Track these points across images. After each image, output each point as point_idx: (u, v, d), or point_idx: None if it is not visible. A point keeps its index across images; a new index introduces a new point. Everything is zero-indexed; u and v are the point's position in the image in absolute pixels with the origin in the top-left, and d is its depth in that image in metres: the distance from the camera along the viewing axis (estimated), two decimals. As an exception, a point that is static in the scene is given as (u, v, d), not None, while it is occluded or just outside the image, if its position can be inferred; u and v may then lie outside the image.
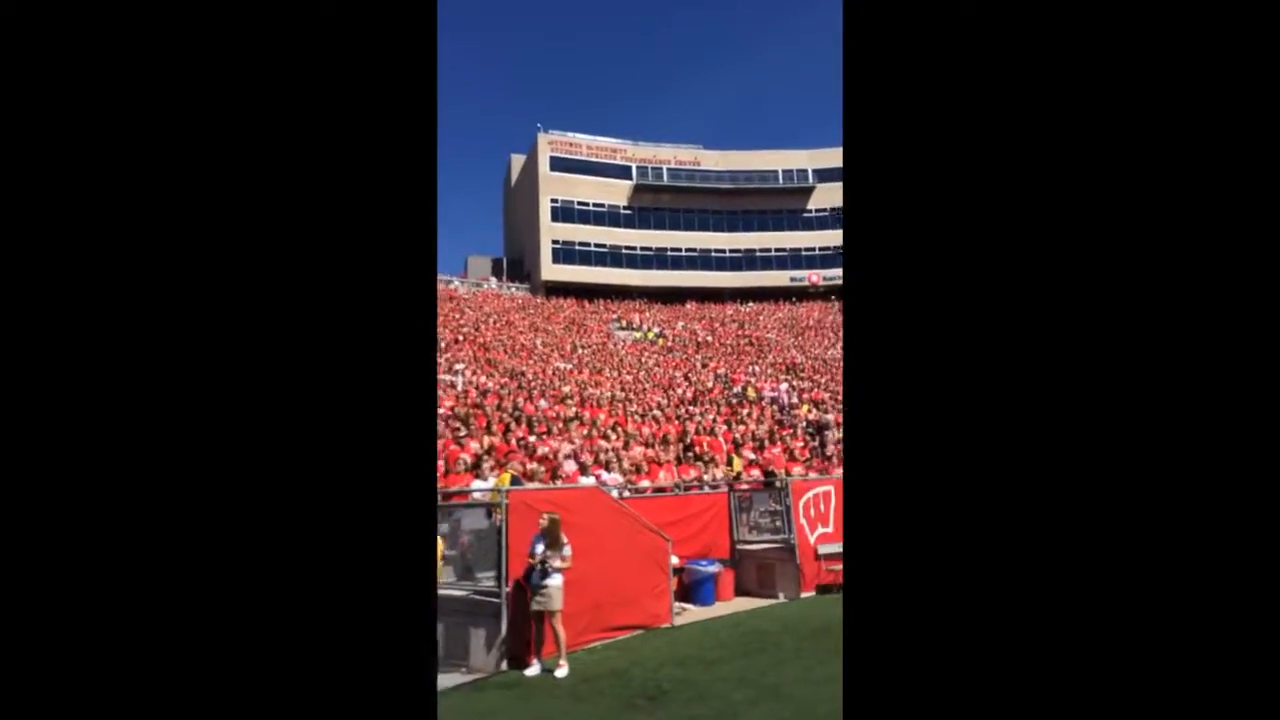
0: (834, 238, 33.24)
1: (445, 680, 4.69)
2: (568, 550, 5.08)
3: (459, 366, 15.80)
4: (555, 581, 5.02)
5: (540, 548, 5.09)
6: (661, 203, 33.45)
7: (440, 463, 7.43)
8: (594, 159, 33.39)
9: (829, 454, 11.49)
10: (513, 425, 10.14)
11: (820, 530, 7.97)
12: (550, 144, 33.07)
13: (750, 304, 30.98)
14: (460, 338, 19.94)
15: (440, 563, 4.94)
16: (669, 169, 33.89)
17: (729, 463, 9.59)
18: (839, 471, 10.18)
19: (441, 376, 14.56)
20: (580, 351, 20.55)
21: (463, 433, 9.04)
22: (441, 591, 5.00)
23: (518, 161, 36.88)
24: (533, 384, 14.58)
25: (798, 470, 10.05)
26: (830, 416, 13.79)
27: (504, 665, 5.15)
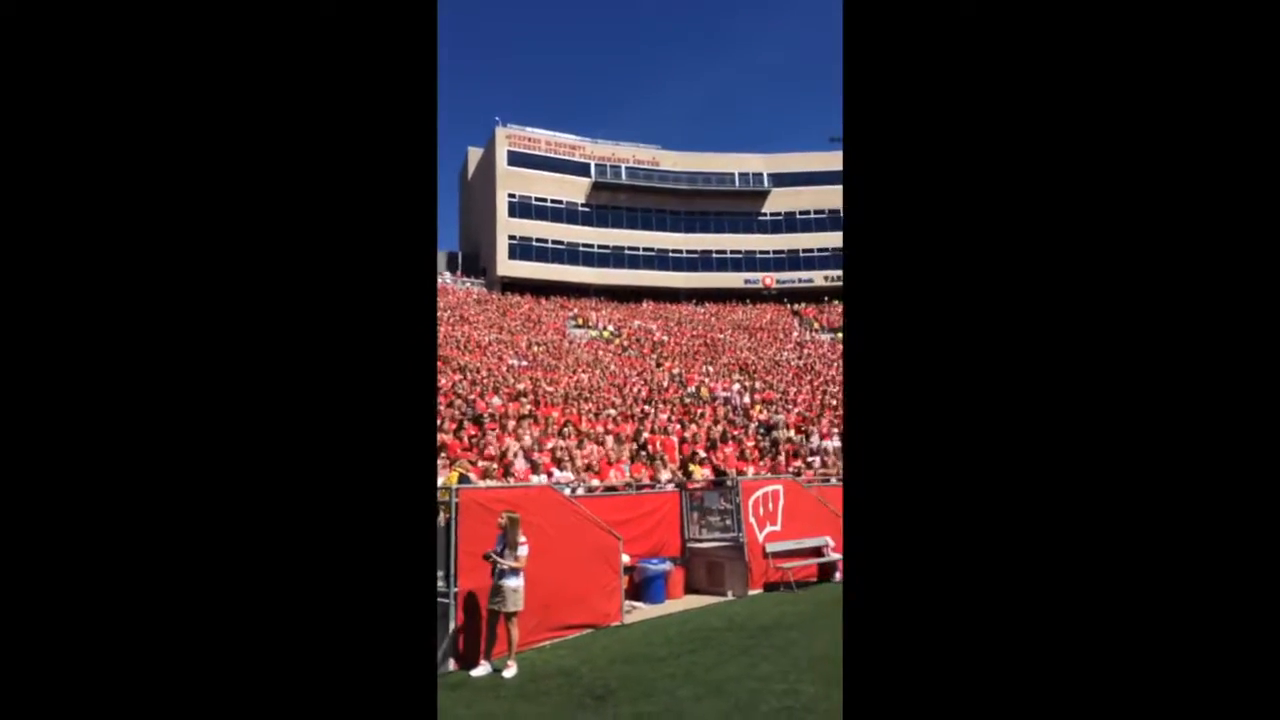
0: (787, 241, 33.88)
1: (390, 682, 4.62)
2: (522, 550, 5.06)
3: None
4: (514, 583, 4.99)
5: (500, 546, 5.06)
6: (619, 201, 33.46)
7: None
8: (552, 155, 33.17)
9: (779, 454, 11.73)
10: (465, 423, 10.02)
11: (769, 529, 8.15)
12: (508, 138, 32.67)
13: (705, 304, 31.29)
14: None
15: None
16: (627, 168, 33.91)
17: (685, 469, 9.66)
18: (788, 471, 10.41)
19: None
20: (535, 349, 20.41)
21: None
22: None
23: (475, 154, 36.32)
24: (486, 380, 14.41)
25: (748, 470, 10.23)
26: (781, 417, 14.07)
27: (451, 666, 5.11)
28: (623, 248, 33.16)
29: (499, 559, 5.01)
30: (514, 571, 5.00)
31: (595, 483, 8.52)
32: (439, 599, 5.27)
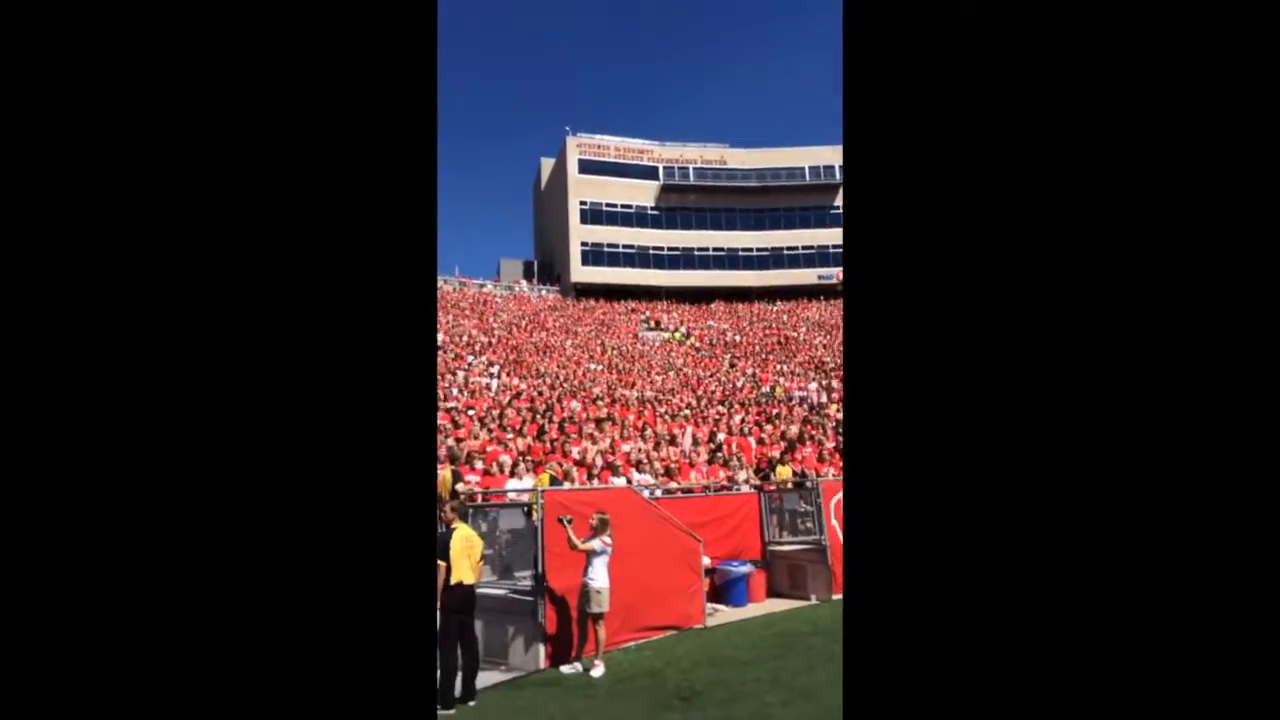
0: (864, 235, 32.83)
1: (485, 678, 4.83)
2: (594, 543, 5.15)
3: (494, 369, 16.07)
4: (599, 584, 5.12)
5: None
6: (688, 203, 33.45)
7: (479, 464, 7.61)
8: (621, 160, 33.54)
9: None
10: (546, 426, 10.31)
11: (852, 532, 7.95)
12: (579, 146, 33.29)
13: (778, 303, 30.80)
14: (493, 340, 20.26)
15: (479, 562, 5.11)
16: (695, 168, 33.85)
17: (769, 471, 9.54)
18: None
19: (475, 379, 14.82)
20: (610, 353, 20.70)
21: (509, 435, 9.24)
22: (481, 590, 5.15)
23: (547, 165, 37.18)
24: (564, 385, 14.75)
25: (828, 470, 10.03)
26: (861, 416, 13.67)
27: (542, 663, 5.29)
28: (692, 249, 33.11)
29: (577, 541, 5.14)
30: (596, 569, 5.11)
31: (673, 485, 8.58)
32: (527, 598, 5.47)
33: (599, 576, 5.15)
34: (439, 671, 4.44)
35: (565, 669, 5.14)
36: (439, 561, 4.81)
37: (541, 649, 5.34)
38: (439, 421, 9.60)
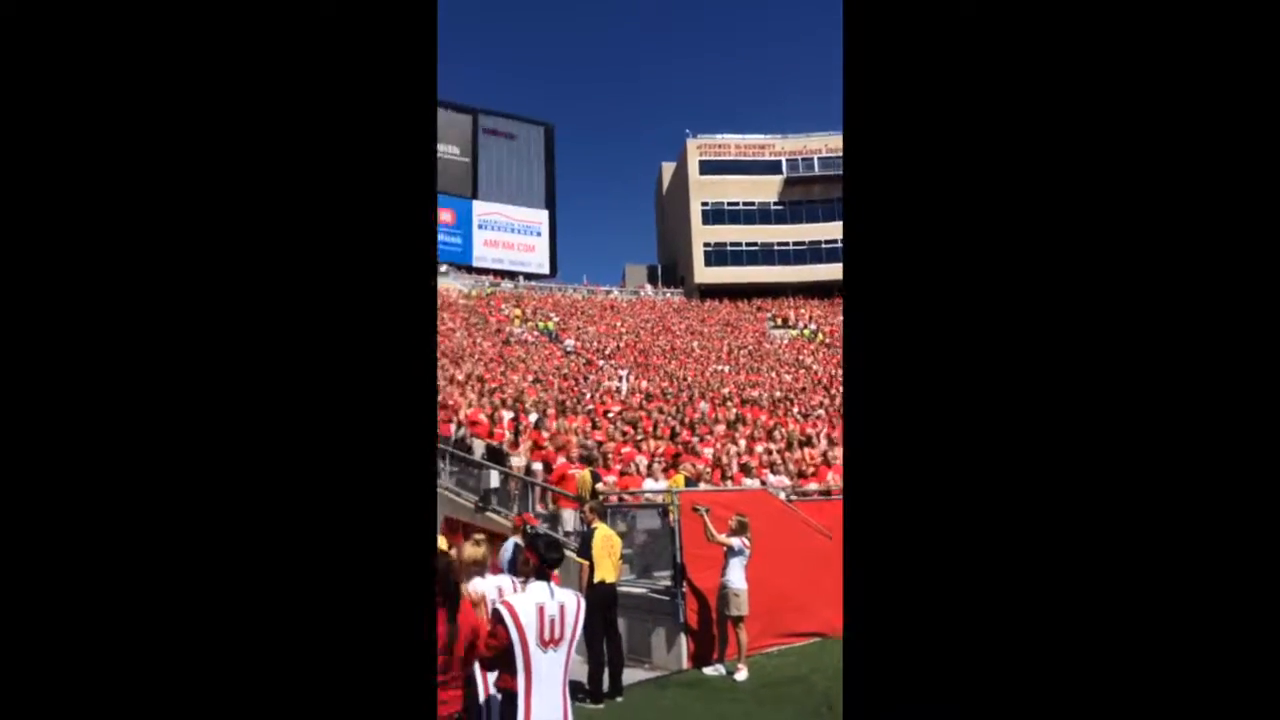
0: (1013, 214, 30.09)
1: (630, 675, 4.92)
2: (733, 540, 5.09)
3: (623, 372, 16.45)
4: (736, 585, 5.06)
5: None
6: (813, 194, 32.36)
7: (616, 465, 7.80)
8: (742, 158, 33.13)
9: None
10: (678, 428, 10.37)
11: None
12: (699, 148, 33.31)
13: (916, 293, 28.97)
14: (621, 344, 20.75)
15: (619, 560, 5.22)
16: (820, 158, 32.68)
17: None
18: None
19: (605, 382, 15.25)
20: (737, 353, 20.48)
21: (639, 437, 9.42)
22: (623, 589, 5.26)
23: (668, 169, 37.56)
24: (692, 387, 14.78)
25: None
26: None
27: (685, 664, 5.30)
28: (819, 241, 31.97)
29: (715, 532, 5.11)
30: (734, 570, 5.04)
31: (812, 486, 8.29)
32: (666, 597, 5.51)
33: (736, 578, 5.08)
34: (587, 666, 4.59)
35: (708, 670, 5.11)
36: (581, 560, 4.98)
37: (684, 649, 5.35)
38: (577, 424, 9.96)
